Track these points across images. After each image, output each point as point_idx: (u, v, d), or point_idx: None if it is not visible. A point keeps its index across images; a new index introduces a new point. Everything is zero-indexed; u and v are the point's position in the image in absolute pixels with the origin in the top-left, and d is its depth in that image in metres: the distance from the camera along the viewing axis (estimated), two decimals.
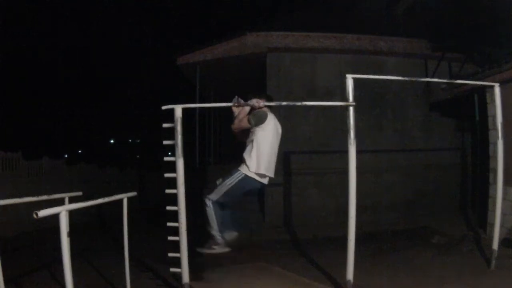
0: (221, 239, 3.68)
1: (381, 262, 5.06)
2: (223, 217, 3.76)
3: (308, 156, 8.71)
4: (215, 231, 3.67)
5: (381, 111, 9.01)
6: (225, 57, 9.47)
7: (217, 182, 3.73)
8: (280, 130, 3.95)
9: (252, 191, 3.98)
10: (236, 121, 3.85)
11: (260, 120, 3.73)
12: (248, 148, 3.77)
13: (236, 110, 3.89)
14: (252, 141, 3.76)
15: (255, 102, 3.77)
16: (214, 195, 3.68)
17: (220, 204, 3.73)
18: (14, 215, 7.63)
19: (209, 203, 3.68)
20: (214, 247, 3.69)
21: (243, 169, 3.70)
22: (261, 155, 3.70)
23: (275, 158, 3.87)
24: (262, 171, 3.71)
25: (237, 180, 3.69)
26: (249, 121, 3.75)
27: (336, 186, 8.35)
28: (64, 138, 26.67)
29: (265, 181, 3.80)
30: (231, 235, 3.75)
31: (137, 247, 4.73)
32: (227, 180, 3.70)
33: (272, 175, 3.83)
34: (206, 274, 4.05)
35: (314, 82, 8.93)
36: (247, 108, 3.83)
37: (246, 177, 3.69)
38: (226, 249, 3.71)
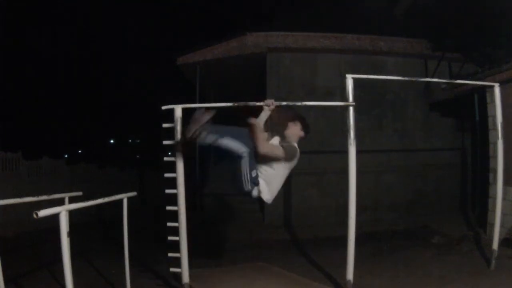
0: None
1: (381, 262, 5.06)
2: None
3: (308, 156, 8.70)
4: None
5: (381, 111, 9.01)
6: (225, 57, 9.46)
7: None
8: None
9: (234, 159, 3.26)
10: (260, 145, 3.19)
11: (292, 157, 3.45)
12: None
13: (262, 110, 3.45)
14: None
15: (269, 102, 3.42)
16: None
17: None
18: (14, 215, 7.62)
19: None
20: None
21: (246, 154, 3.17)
22: (269, 184, 3.45)
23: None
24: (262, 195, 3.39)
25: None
26: (284, 153, 3.35)
27: (336, 186, 8.34)
28: (64, 138, 26.67)
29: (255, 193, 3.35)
30: None
31: (137, 247, 4.73)
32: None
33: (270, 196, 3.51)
34: (206, 274, 4.05)
35: (314, 82, 8.93)
36: (262, 124, 3.38)
37: (245, 159, 3.17)
38: None
